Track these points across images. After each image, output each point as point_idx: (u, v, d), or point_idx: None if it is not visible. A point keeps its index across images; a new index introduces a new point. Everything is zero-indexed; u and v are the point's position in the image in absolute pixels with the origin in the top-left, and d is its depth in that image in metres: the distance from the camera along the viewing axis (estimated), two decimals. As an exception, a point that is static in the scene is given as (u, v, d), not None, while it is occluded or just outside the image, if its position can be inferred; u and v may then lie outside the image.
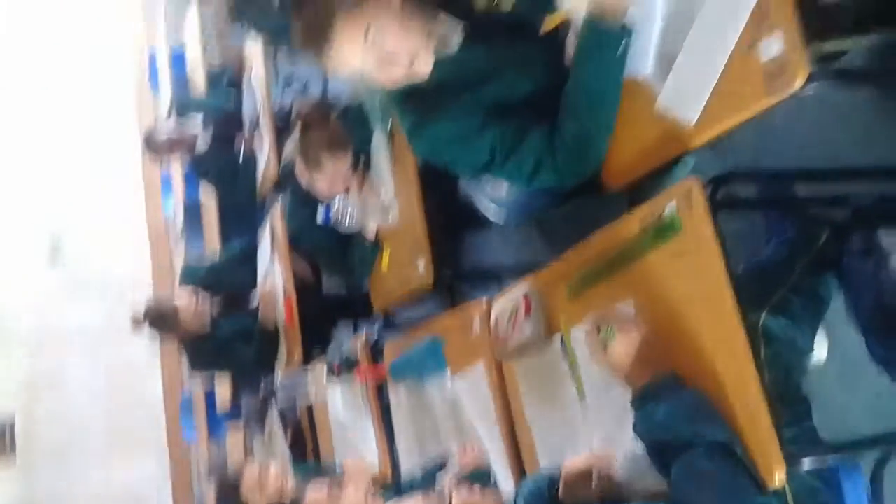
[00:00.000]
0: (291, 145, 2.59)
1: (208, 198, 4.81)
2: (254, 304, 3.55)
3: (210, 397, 4.86)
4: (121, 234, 6.12)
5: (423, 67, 1.51)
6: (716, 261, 1.32)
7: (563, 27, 1.54)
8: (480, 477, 1.85)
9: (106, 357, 5.80)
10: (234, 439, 4.58)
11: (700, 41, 1.38)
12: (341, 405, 2.76)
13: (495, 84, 1.58)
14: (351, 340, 2.86)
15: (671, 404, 1.27)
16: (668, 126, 1.44)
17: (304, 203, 2.76)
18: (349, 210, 2.58)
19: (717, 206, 1.37)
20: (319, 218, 2.68)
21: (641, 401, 1.31)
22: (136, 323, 3.49)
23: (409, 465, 2.30)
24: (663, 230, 1.41)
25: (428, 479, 2.05)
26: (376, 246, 2.58)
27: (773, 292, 1.50)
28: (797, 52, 1.25)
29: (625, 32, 1.46)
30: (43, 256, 6.03)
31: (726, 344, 1.29)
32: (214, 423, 4.82)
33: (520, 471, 1.83)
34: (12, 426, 5.76)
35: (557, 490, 1.40)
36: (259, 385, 3.54)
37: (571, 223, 1.66)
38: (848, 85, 1.80)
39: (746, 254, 1.62)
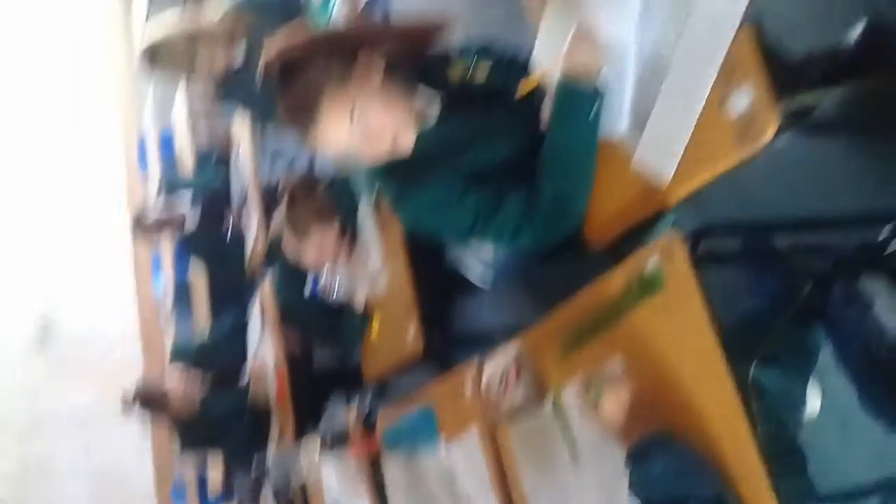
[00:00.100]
0: (279, 218, 2.62)
1: (198, 276, 4.82)
2: (244, 381, 3.52)
3: (202, 483, 4.76)
4: (110, 316, 6.08)
5: (407, 141, 1.55)
6: (701, 314, 1.33)
7: (538, 91, 1.58)
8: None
9: (96, 441, 5.70)
10: (227, 522, 4.46)
11: (671, 99, 1.42)
12: (335, 482, 2.70)
13: (473, 152, 1.61)
14: (343, 413, 2.83)
15: (665, 460, 1.26)
16: (645, 183, 1.47)
17: (292, 276, 2.77)
18: (337, 281, 2.58)
19: (699, 260, 1.38)
20: (308, 291, 2.69)
21: (635, 458, 1.30)
22: (126, 405, 3.46)
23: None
24: (647, 286, 1.42)
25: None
26: (366, 316, 2.57)
27: (761, 344, 1.49)
28: (765, 106, 1.28)
29: (597, 95, 1.50)
30: (32, 340, 5.97)
31: (717, 398, 1.29)
32: (208, 508, 4.72)
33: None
34: (1, 516, 5.61)
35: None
36: (251, 464, 3.48)
37: (557, 282, 1.67)
38: (821, 136, 1.85)
39: (731, 306, 1.62)
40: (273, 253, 3.08)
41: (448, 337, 2.41)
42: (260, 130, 3.89)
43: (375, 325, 2.55)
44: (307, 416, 3.20)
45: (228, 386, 3.58)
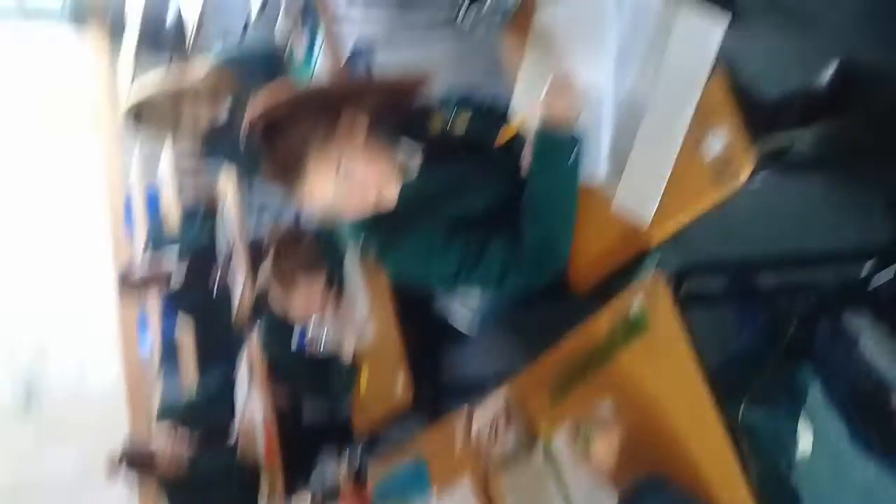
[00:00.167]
0: (265, 271, 2.61)
1: (185, 333, 4.78)
2: (233, 439, 3.46)
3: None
4: (95, 375, 6.01)
5: (391, 195, 1.57)
6: (687, 355, 1.33)
7: (518, 138, 1.60)
8: None
9: (83, 506, 5.56)
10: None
11: (648, 143, 1.44)
12: (327, 541, 2.65)
13: (455, 201, 1.62)
14: (334, 468, 2.78)
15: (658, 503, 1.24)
16: (626, 225, 1.48)
17: (279, 329, 2.75)
18: (324, 333, 2.57)
19: (683, 300, 1.38)
20: (295, 343, 2.67)
21: (628, 502, 1.28)
22: (113, 467, 3.40)
23: None
24: (632, 328, 1.42)
25: None
26: (354, 367, 2.55)
27: (749, 384, 1.49)
28: (740, 147, 1.31)
29: (576, 141, 1.52)
30: (16, 404, 5.88)
31: (708, 439, 1.28)
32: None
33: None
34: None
35: None
36: (242, 524, 3.41)
37: (543, 327, 1.67)
38: (798, 175, 1.87)
39: (718, 345, 1.62)
40: (260, 306, 3.06)
41: (437, 386, 2.39)
42: (246, 185, 3.91)
43: (364, 376, 2.53)
44: (297, 473, 3.15)
45: (217, 444, 3.52)
